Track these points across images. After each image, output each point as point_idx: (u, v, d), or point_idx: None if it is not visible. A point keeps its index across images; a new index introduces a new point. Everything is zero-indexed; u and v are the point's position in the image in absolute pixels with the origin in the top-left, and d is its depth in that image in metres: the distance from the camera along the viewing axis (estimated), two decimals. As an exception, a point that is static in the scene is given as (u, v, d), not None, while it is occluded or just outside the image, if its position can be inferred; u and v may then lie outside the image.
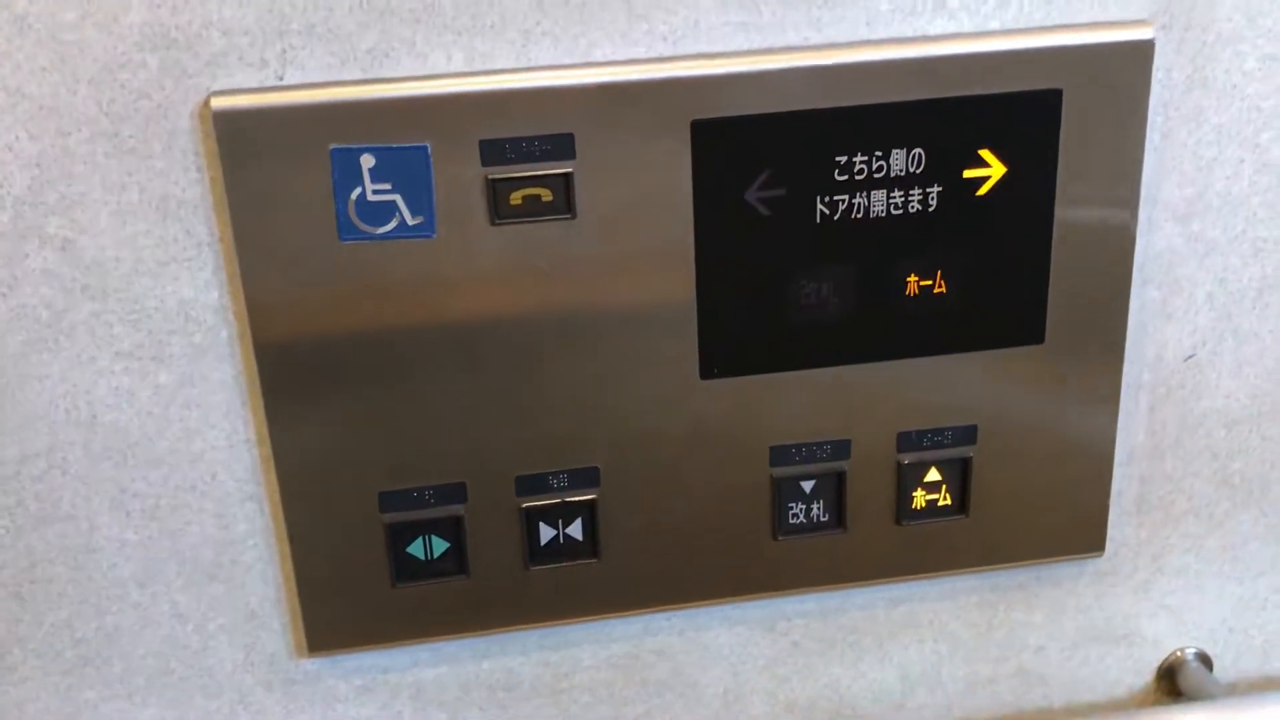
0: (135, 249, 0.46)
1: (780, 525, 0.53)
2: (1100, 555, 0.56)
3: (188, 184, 0.45)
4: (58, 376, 0.47)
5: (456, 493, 0.50)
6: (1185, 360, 0.54)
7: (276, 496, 0.50)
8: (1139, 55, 0.48)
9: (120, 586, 0.51)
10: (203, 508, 0.50)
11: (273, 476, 0.50)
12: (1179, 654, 0.60)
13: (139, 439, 0.48)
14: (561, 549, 0.52)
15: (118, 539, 0.50)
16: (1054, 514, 0.55)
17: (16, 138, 0.44)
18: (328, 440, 0.49)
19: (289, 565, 0.51)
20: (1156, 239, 0.52)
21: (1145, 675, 0.60)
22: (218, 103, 0.44)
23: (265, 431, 0.49)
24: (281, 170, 0.45)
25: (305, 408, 0.48)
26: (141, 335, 0.47)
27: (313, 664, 0.53)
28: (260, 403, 0.48)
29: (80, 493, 0.49)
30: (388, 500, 0.50)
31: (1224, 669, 0.60)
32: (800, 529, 0.54)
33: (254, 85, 0.44)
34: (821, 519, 0.54)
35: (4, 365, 0.46)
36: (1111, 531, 0.56)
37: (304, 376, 0.48)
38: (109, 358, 0.47)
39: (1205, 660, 0.60)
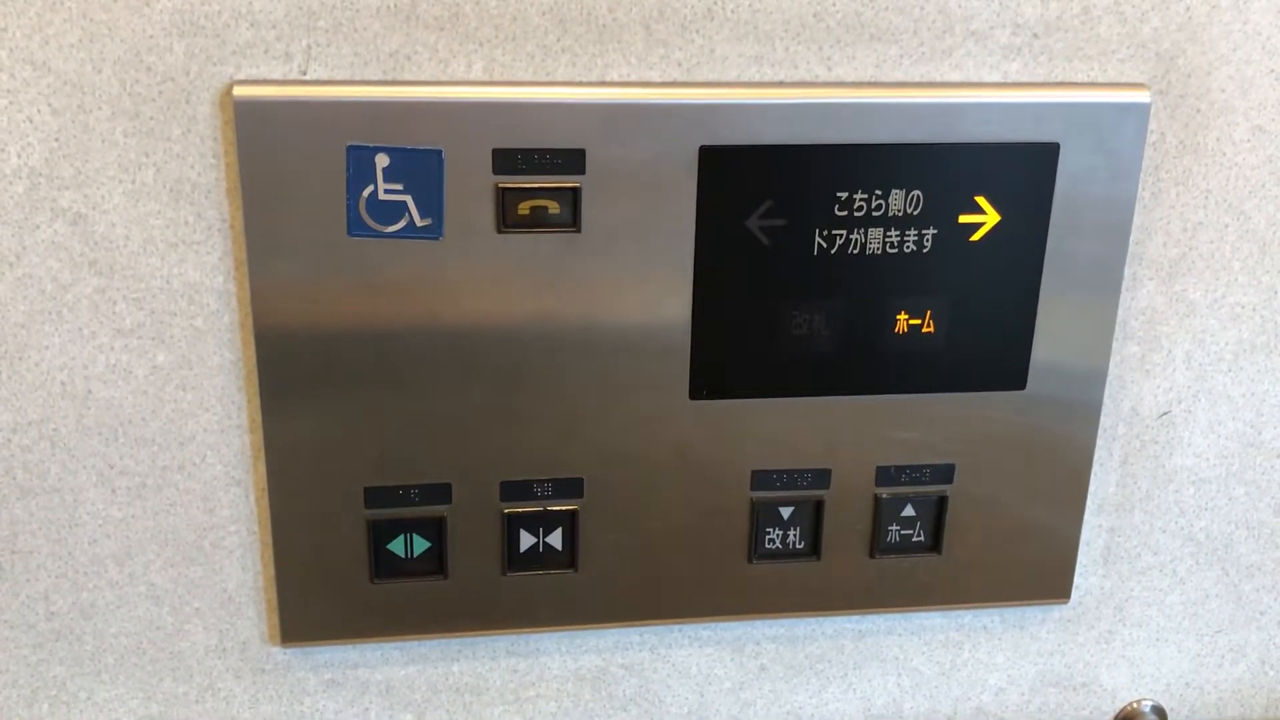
0: (145, 229, 0.46)
1: (756, 549, 0.54)
2: (1065, 603, 0.57)
3: (203, 169, 0.46)
4: (57, 349, 0.47)
5: (442, 493, 0.51)
6: (1160, 417, 0.55)
7: (263, 484, 0.50)
8: (1135, 117, 0.50)
9: (99, 563, 0.51)
10: (189, 489, 0.50)
11: (261, 464, 0.50)
12: (1135, 705, 0.61)
13: (131, 417, 0.49)
14: (540, 557, 0.53)
15: (101, 515, 0.50)
16: (1023, 558, 0.56)
17: (38, 110, 0.44)
18: (319, 431, 0.49)
19: (269, 554, 0.52)
20: (1140, 296, 0.53)
21: (1101, 724, 0.61)
22: (240, 92, 0.45)
23: (258, 418, 0.49)
24: (297, 162, 0.46)
25: (300, 398, 0.49)
26: (143, 314, 0.47)
27: (284, 654, 0.54)
28: (255, 390, 0.49)
29: (68, 466, 0.49)
30: (373, 496, 0.51)
31: (1178, 722, 0.61)
32: (776, 555, 0.54)
33: (277, 77, 0.45)
34: (797, 546, 0.55)
35: (6, 334, 0.47)
36: (1078, 580, 0.58)
37: (301, 367, 0.48)
38: (109, 334, 0.48)
39: (1160, 713, 0.61)
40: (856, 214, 0.49)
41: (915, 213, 0.49)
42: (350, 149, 0.46)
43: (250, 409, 0.49)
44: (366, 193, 0.46)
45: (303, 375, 0.48)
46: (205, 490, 0.50)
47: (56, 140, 0.45)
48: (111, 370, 0.48)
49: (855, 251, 0.50)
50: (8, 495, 0.49)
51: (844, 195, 0.49)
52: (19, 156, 0.45)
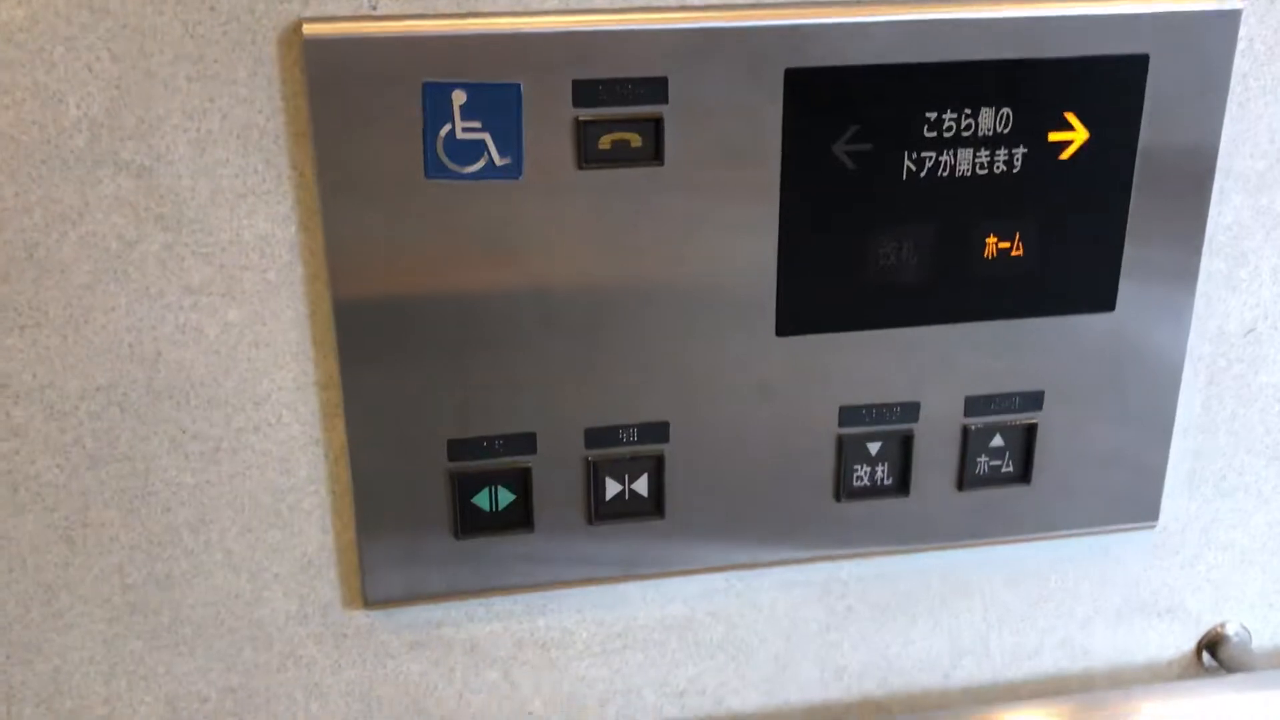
0: (213, 179, 0.44)
1: (844, 488, 0.53)
2: (1154, 526, 0.57)
3: (271, 113, 0.44)
4: (124, 309, 0.45)
5: (526, 443, 0.49)
6: (1246, 334, 0.54)
7: (341, 442, 0.49)
8: (1225, 24, 0.48)
9: (174, 532, 0.49)
10: (265, 451, 0.48)
11: (339, 421, 0.48)
12: (1220, 629, 0.60)
13: (204, 378, 0.47)
14: (626, 505, 0.51)
15: (174, 482, 0.48)
16: (1111, 483, 0.55)
17: (98, 58, 0.42)
18: (398, 385, 0.48)
19: (349, 514, 0.50)
20: (1226, 210, 0.52)
21: (1186, 648, 0.60)
22: (309, 30, 0.43)
23: (334, 374, 0.47)
24: (370, 103, 0.44)
25: (378, 350, 0.47)
26: (213, 270, 0.45)
27: (366, 617, 0.52)
28: (332, 345, 0.47)
29: (139, 432, 0.47)
30: (456, 449, 0.49)
31: (1263, 642, 0.61)
32: (864, 492, 0.53)
33: (347, 14, 0.43)
34: (885, 482, 0.53)
35: (70, 295, 0.45)
36: (1163, 504, 0.57)
37: (379, 318, 0.46)
38: (178, 292, 0.46)
39: (1246, 634, 0.60)
40: (945, 135, 0.48)
41: (1005, 132, 0.48)
42: (426, 86, 0.44)
43: (326, 365, 0.47)
44: (444, 132, 0.44)
45: (381, 326, 0.47)
46: (282, 451, 0.49)
47: (117, 88, 0.42)
48: (181, 330, 0.46)
49: (944, 174, 0.48)
50: (77, 465, 0.47)
51: (932, 116, 0.47)
52: (78, 107, 0.42)
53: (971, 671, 0.59)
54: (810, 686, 0.57)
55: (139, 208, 0.44)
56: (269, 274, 0.46)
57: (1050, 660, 0.59)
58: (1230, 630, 0.60)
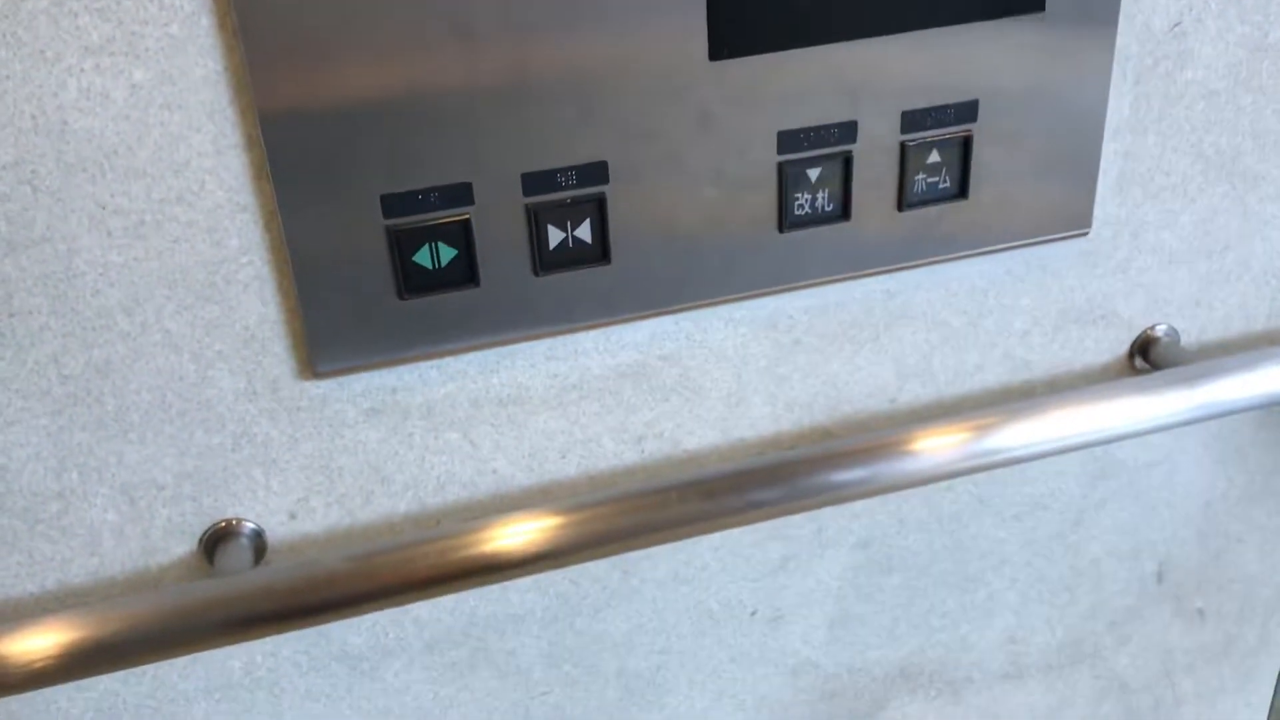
0: (97, -77, 0.41)
1: (786, 217, 0.53)
2: (1086, 233, 0.58)
3: None
4: (20, 77, 0.42)
5: (462, 194, 0.48)
6: (1171, 30, 0.54)
7: (272, 206, 0.47)
8: None
9: (107, 315, 0.47)
10: (191, 222, 0.46)
11: (266, 183, 0.46)
12: (1151, 330, 0.62)
13: (116, 147, 0.44)
14: (571, 253, 0.51)
15: (100, 262, 0.46)
16: (1045, 193, 0.56)
17: None
18: (325, 140, 0.46)
19: (288, 282, 0.48)
20: (1151, -101, 0.51)
21: (1120, 352, 0.62)
22: None
23: (257, 133, 0.45)
24: None
25: (300, 102, 0.45)
26: (111, 26, 0.42)
27: (318, 388, 0.51)
28: (250, 100, 0.45)
29: (55, 211, 0.45)
30: (390, 204, 0.47)
31: (1191, 340, 0.63)
32: (806, 221, 0.53)
33: None
34: (826, 208, 0.53)
35: (-42, 64, 0.42)
36: (1095, 210, 0.58)
37: (297, 66, 0.44)
38: (76, 54, 0.43)
39: (1175, 334, 0.62)
40: None
41: None
42: None
43: (246, 123, 0.45)
44: None
45: (300, 76, 0.44)
46: (209, 221, 0.47)
47: None
48: (85, 95, 0.43)
49: (870, -127, 0.46)
50: (-7, 252, 0.45)
51: None
52: None
53: (917, 393, 0.60)
54: (762, 421, 0.58)
55: (19, -39, 0.41)
56: (171, 28, 0.43)
57: (992, 375, 0.61)
58: (1160, 332, 0.62)
